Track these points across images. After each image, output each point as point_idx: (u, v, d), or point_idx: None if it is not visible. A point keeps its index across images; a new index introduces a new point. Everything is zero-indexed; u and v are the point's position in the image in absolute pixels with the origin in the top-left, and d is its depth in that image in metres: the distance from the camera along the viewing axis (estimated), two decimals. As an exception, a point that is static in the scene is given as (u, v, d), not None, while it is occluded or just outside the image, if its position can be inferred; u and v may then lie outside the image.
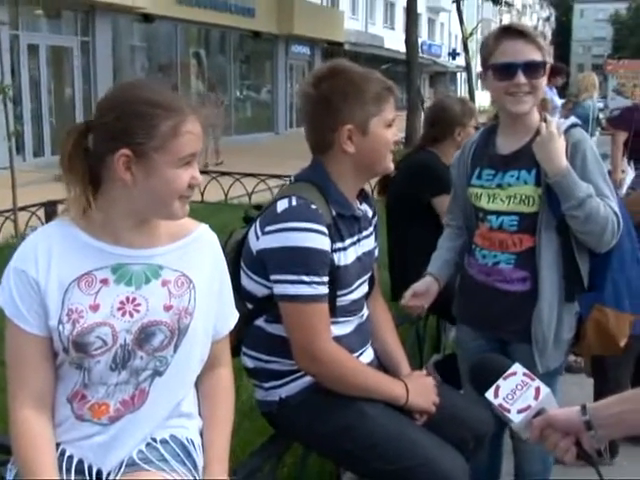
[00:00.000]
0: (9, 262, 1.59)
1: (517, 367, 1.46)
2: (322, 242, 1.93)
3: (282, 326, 2.00)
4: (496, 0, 26.16)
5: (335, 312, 2.02)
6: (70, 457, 1.60)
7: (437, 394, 2.10)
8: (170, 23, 19.04)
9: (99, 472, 1.60)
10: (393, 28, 37.69)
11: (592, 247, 2.24)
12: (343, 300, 2.04)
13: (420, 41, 26.76)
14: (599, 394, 3.08)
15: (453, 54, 41.00)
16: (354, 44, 28.73)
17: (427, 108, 4.01)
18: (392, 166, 2.12)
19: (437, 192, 3.29)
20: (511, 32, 2.24)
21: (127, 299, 1.60)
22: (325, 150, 2.04)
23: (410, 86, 18.66)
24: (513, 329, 2.35)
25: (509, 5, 29.62)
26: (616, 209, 2.19)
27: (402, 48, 20.26)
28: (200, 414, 1.77)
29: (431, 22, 45.97)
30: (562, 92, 11.02)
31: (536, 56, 2.21)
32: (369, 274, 2.19)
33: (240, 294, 2.03)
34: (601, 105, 13.00)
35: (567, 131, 2.25)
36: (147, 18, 17.66)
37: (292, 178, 2.14)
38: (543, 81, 2.25)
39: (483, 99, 24.52)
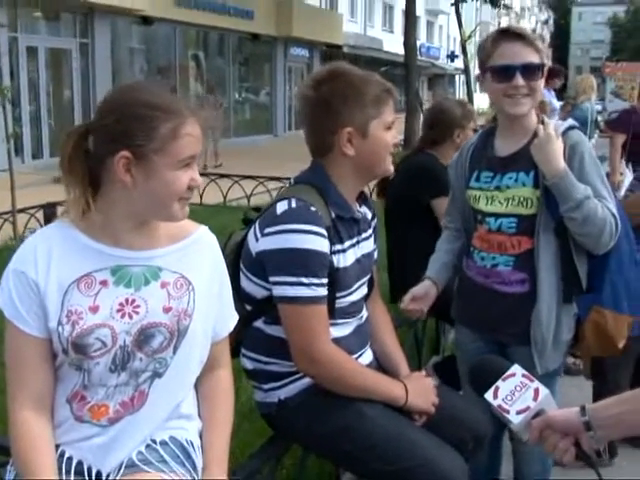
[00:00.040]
0: (8, 264, 1.60)
1: (516, 368, 1.47)
2: (321, 244, 1.93)
3: (281, 328, 2.00)
4: (495, 3, 26.22)
5: (334, 314, 2.02)
6: (69, 458, 1.60)
7: (436, 395, 2.10)
8: (169, 25, 19.05)
9: (98, 473, 1.60)
10: (392, 31, 37.72)
11: (590, 249, 2.24)
12: (342, 302, 2.05)
13: (419, 44, 26.80)
14: (598, 396, 3.08)
15: (452, 57, 41.09)
16: (353, 47, 28.74)
17: (426, 110, 4.01)
18: (392, 168, 2.12)
19: (436, 194, 3.29)
20: (509, 34, 2.25)
21: (126, 301, 1.60)
22: (325, 153, 2.05)
23: (409, 88, 18.69)
24: (512, 331, 2.35)
25: (508, 8, 29.70)
26: (614, 211, 2.19)
27: (401, 51, 20.30)
28: (199, 415, 1.77)
29: (430, 25, 46.00)
30: (560, 94, 11.04)
31: (534, 58, 2.21)
32: (368, 276, 2.20)
33: (239, 296, 2.04)
34: (599, 107, 13.05)
35: (565, 133, 2.26)
36: (146, 20, 17.66)
37: (292, 180, 2.15)
38: (541, 83, 2.26)
39: (482, 101, 24.54)
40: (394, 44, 31.99)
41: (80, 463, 1.60)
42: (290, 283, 1.91)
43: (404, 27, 20.28)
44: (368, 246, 2.17)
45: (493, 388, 1.44)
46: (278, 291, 1.95)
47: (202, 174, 1.65)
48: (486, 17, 49.48)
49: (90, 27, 15.98)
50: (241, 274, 2.08)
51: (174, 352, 1.63)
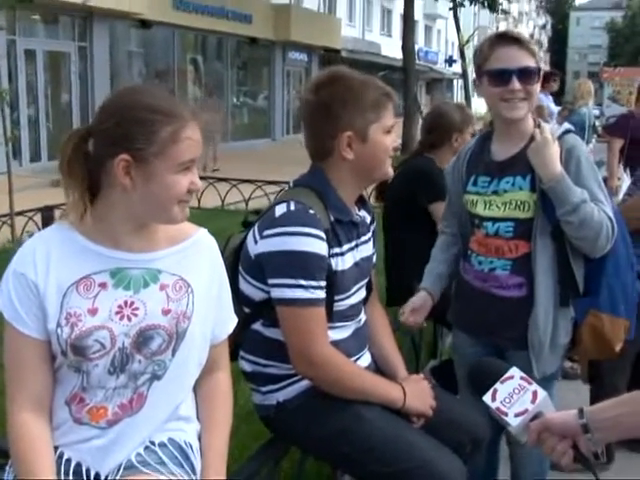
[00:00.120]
0: (6, 266, 1.60)
1: (514, 371, 1.47)
2: (320, 247, 1.94)
3: (279, 330, 2.01)
4: (493, 8, 26.30)
5: (332, 317, 2.02)
6: (68, 460, 1.60)
7: (434, 398, 2.10)
8: (167, 29, 19.06)
9: (97, 475, 1.60)
10: (390, 35, 37.77)
11: (587, 252, 2.25)
12: (340, 305, 2.05)
13: (417, 48, 26.88)
14: (595, 400, 3.07)
15: (450, 61, 41.14)
16: (351, 51, 28.77)
17: (425, 114, 4.03)
18: (391, 172, 2.13)
19: (434, 198, 3.30)
20: (505, 39, 2.26)
21: (125, 303, 1.60)
22: (324, 157, 2.05)
23: (407, 93, 18.75)
24: (509, 335, 2.36)
25: (506, 13, 29.81)
26: (610, 214, 2.20)
27: (399, 55, 20.36)
28: (198, 418, 1.77)
29: (428, 29, 46.06)
30: (558, 99, 11.06)
31: (530, 62, 2.22)
32: (367, 279, 2.20)
33: (238, 298, 2.04)
34: (597, 112, 13.07)
35: (561, 137, 2.27)
36: (144, 24, 17.68)
37: (291, 183, 2.15)
38: (537, 87, 2.27)
39: (480, 106, 24.59)
40: (392, 48, 32.06)
41: (79, 465, 1.60)
42: (288, 285, 1.92)
43: (402, 31, 20.35)
44: (367, 249, 2.17)
45: (491, 390, 1.44)
46: (276, 293, 1.95)
47: (200, 177, 1.65)
48: (484, 22, 49.53)
49: (89, 30, 15.99)
50: (240, 277, 2.08)
51: (173, 354, 1.63)
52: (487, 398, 1.44)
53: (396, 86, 18.12)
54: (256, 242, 1.99)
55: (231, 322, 1.84)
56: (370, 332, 2.24)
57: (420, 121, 4.73)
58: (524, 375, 1.46)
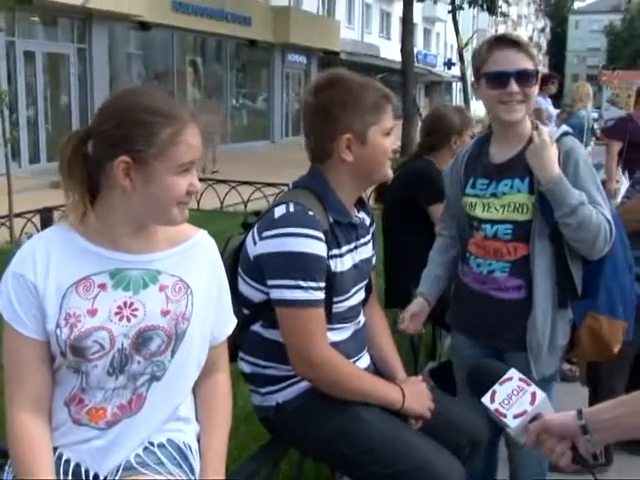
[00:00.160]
0: (4, 267, 1.60)
1: (513, 372, 1.48)
2: (319, 248, 1.94)
3: (279, 331, 2.01)
4: (491, 10, 26.32)
5: (332, 318, 2.03)
6: (67, 461, 1.60)
7: (432, 400, 2.11)
8: (166, 31, 19.06)
9: (96, 476, 1.60)
10: (389, 38, 37.80)
11: (585, 254, 2.25)
12: (339, 307, 2.05)
13: (416, 51, 26.91)
14: (594, 402, 3.08)
15: (449, 64, 41.20)
16: (350, 53, 28.77)
17: (424, 116, 4.03)
18: (391, 173, 2.13)
19: (433, 200, 3.30)
20: (503, 41, 2.26)
21: (125, 304, 1.60)
22: (324, 159, 2.06)
23: (406, 95, 18.76)
24: (508, 338, 2.36)
25: (504, 16, 29.82)
26: (608, 216, 2.20)
27: (398, 58, 20.37)
28: (197, 419, 1.77)
29: (427, 32, 46.08)
30: (556, 102, 11.07)
31: (528, 65, 2.23)
32: (366, 281, 2.20)
33: (237, 300, 2.04)
34: (595, 115, 13.08)
35: (559, 139, 2.27)
36: (144, 26, 17.68)
37: (290, 185, 2.15)
38: (535, 90, 2.27)
39: (479, 108, 24.60)
40: (391, 51, 32.07)
41: (78, 465, 1.60)
42: (288, 286, 1.92)
43: (401, 34, 20.37)
44: (366, 251, 2.18)
45: (490, 392, 1.45)
46: (276, 294, 1.95)
47: (199, 179, 1.65)
48: (483, 25, 49.56)
49: (88, 32, 15.98)
50: (239, 278, 2.08)
51: (172, 355, 1.63)
52: (486, 399, 1.44)
53: (395, 88, 18.07)
54: (255, 243, 1.99)
55: (230, 323, 1.84)
56: (369, 334, 2.24)
57: (419, 123, 4.74)
58: (523, 376, 1.46)
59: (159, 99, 1.60)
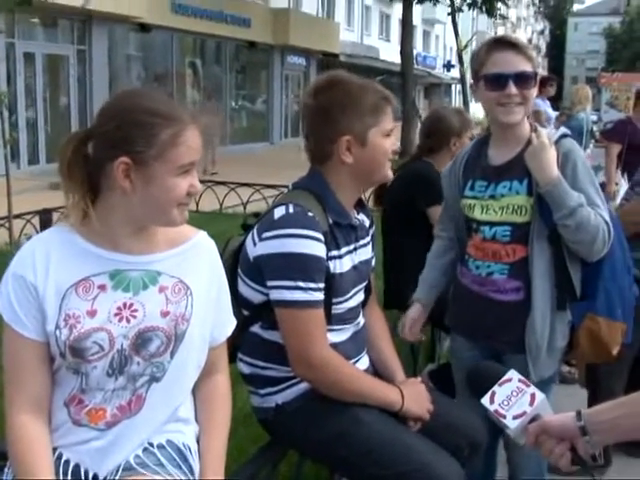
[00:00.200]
0: (3, 268, 1.60)
1: (512, 373, 1.48)
2: (318, 249, 1.94)
3: (278, 333, 2.01)
4: (491, 13, 26.33)
5: (331, 320, 2.03)
6: (67, 461, 1.60)
7: (431, 401, 2.11)
8: (166, 33, 19.08)
9: (95, 476, 1.60)
10: (388, 40, 37.83)
11: (583, 256, 2.25)
12: (339, 308, 2.05)
13: (415, 53, 26.92)
14: (593, 404, 3.08)
15: (448, 66, 41.23)
16: (349, 55, 28.80)
17: (424, 118, 4.04)
18: (391, 175, 2.14)
19: (432, 202, 3.30)
20: (502, 43, 2.26)
21: (124, 305, 1.60)
22: (324, 161, 2.06)
23: (405, 97, 18.77)
24: (507, 339, 2.36)
25: (504, 18, 29.86)
26: (607, 218, 2.20)
27: (397, 59, 20.39)
28: (197, 420, 1.77)
29: (426, 34, 46.12)
30: (555, 104, 11.08)
31: (527, 67, 2.23)
32: (365, 283, 2.21)
33: (237, 301, 2.04)
34: (595, 118, 13.08)
35: (558, 141, 2.27)
36: (143, 27, 17.69)
37: (290, 186, 2.16)
38: (534, 92, 2.28)
39: (478, 110, 24.62)
40: (391, 53, 32.09)
41: (77, 466, 1.60)
42: (287, 287, 1.92)
43: (401, 36, 20.39)
44: (366, 253, 2.18)
45: (490, 393, 1.45)
46: (275, 295, 1.95)
47: (199, 181, 1.66)
48: (482, 27, 49.61)
49: (87, 34, 16.00)
50: (239, 279, 2.08)
51: (171, 356, 1.64)
52: (485, 401, 1.45)
53: (394, 90, 18.02)
54: (255, 244, 1.99)
55: (230, 324, 1.84)
56: (368, 335, 2.25)
57: (418, 125, 4.74)
58: (522, 378, 1.47)
59: (159, 100, 1.60)
